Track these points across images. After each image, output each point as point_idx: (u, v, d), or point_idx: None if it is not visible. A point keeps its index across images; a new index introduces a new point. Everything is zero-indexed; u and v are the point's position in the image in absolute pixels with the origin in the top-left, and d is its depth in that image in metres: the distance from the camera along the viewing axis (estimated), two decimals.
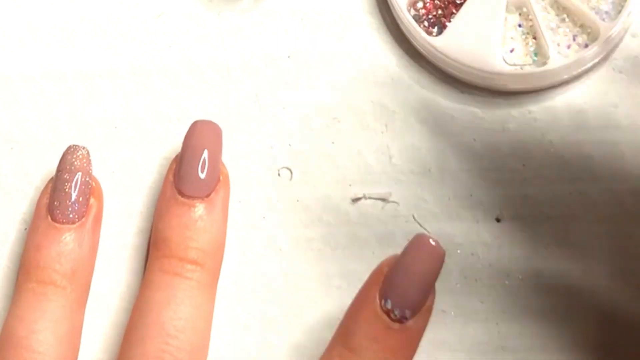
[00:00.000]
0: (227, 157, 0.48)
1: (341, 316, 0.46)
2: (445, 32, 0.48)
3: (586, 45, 0.47)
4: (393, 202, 0.47)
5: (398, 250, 0.46)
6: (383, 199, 0.47)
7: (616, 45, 0.48)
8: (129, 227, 0.48)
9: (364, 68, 0.49)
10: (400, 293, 0.41)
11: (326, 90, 0.49)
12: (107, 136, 0.49)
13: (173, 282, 0.43)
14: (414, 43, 0.49)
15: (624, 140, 0.47)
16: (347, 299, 0.46)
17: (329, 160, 0.48)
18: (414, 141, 0.48)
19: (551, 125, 0.47)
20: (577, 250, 0.46)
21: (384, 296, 0.41)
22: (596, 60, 0.48)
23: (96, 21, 0.50)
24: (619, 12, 0.47)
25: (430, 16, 0.49)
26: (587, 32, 0.48)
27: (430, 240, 0.41)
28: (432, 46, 0.48)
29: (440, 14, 0.49)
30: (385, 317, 0.41)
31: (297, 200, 0.48)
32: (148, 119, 0.49)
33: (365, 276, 0.46)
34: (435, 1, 0.49)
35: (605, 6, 0.48)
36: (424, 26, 0.49)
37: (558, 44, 0.48)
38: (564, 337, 0.46)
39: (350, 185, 0.47)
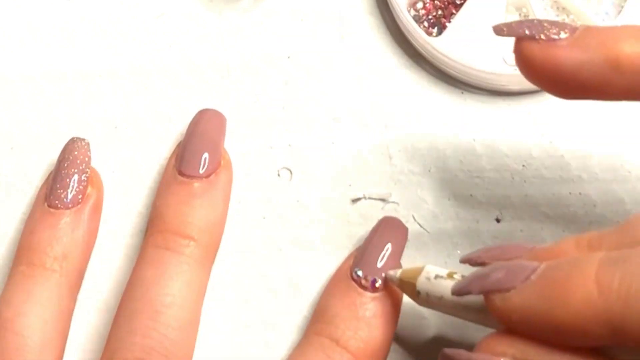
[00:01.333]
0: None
1: None
2: (445, 32, 0.48)
3: None
4: (393, 202, 0.47)
5: None
6: (383, 199, 0.47)
7: None
8: (128, 227, 0.48)
9: (364, 68, 0.49)
10: (368, 260, 0.44)
11: (326, 90, 0.49)
12: (107, 136, 0.49)
13: (164, 257, 0.44)
14: (414, 43, 0.49)
15: (623, 141, 0.47)
16: None
17: (329, 160, 0.48)
18: (414, 141, 0.48)
19: (551, 125, 0.48)
20: None
21: (354, 267, 0.44)
22: None
23: (96, 21, 0.50)
24: (619, 12, 0.47)
25: (430, 16, 0.49)
26: None
27: (394, 218, 0.45)
28: (432, 46, 0.48)
29: (440, 15, 0.49)
30: (356, 285, 0.43)
31: (297, 200, 0.47)
32: (148, 119, 0.49)
33: None
34: (435, 1, 0.49)
35: (605, 6, 0.48)
36: (424, 26, 0.49)
37: None
38: None
39: (350, 185, 0.47)
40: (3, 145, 0.49)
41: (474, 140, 0.48)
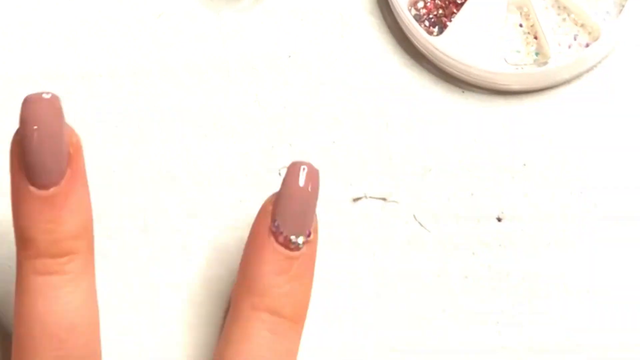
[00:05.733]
0: (227, 157, 0.48)
1: (341, 317, 0.46)
2: (446, 31, 0.48)
3: (587, 45, 0.47)
4: (393, 202, 0.47)
5: (398, 250, 0.47)
6: (383, 199, 0.47)
7: (617, 45, 0.48)
8: (127, 225, 0.48)
9: (364, 68, 0.49)
10: (289, 218, 0.42)
11: (326, 90, 0.49)
12: (107, 136, 0.49)
13: (50, 283, 0.41)
14: (415, 43, 0.48)
15: (624, 140, 0.47)
16: (347, 299, 0.46)
17: (329, 160, 0.48)
18: (414, 141, 0.48)
19: (551, 125, 0.47)
20: (577, 250, 0.46)
21: (277, 228, 0.42)
22: (597, 60, 0.48)
23: (96, 21, 0.50)
24: (620, 11, 0.47)
25: (430, 16, 0.49)
26: (588, 31, 0.48)
27: (303, 166, 0.42)
28: (433, 46, 0.48)
29: (441, 14, 0.49)
30: (283, 249, 0.42)
31: None
32: (148, 119, 0.49)
33: (365, 276, 0.46)
34: (436, 1, 0.49)
35: (606, 6, 0.48)
36: (425, 26, 0.49)
37: (559, 44, 0.48)
38: (564, 337, 0.46)
39: (350, 185, 0.48)
40: (3, 145, 0.49)
41: (474, 140, 0.48)
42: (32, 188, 0.40)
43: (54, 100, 0.40)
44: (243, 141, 0.48)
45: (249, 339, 0.42)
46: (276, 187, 0.47)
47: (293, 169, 0.42)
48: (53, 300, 0.41)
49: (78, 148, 0.41)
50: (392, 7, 0.49)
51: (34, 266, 0.41)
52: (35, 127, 0.40)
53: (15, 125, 0.49)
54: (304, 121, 0.48)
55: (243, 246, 0.47)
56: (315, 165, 0.42)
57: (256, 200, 0.47)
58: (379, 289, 0.46)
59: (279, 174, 0.48)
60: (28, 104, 0.40)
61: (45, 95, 0.40)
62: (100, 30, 0.50)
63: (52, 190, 0.40)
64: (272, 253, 0.42)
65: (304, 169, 0.42)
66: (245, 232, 0.47)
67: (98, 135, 0.48)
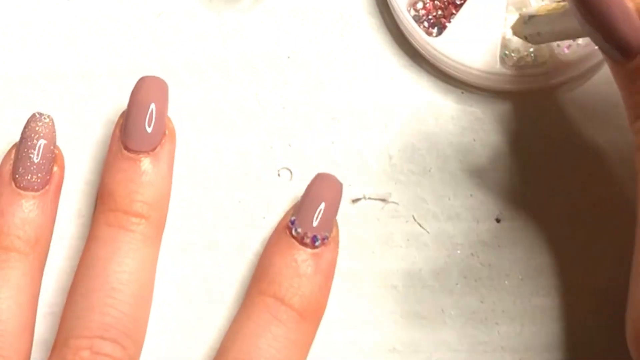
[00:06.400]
0: (227, 156, 0.48)
1: (341, 317, 0.46)
2: (445, 32, 0.48)
3: (586, 46, 0.47)
4: (393, 202, 0.47)
5: (398, 250, 0.47)
6: (383, 199, 0.47)
7: None
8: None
9: (364, 68, 0.49)
10: (305, 216, 0.44)
11: (326, 90, 0.49)
12: (108, 136, 0.48)
13: (118, 235, 0.44)
14: (414, 43, 0.49)
15: (623, 141, 0.47)
16: (346, 299, 0.46)
17: (329, 160, 0.48)
18: (414, 141, 0.48)
19: (551, 125, 0.48)
20: (577, 250, 0.46)
21: (292, 224, 0.44)
22: (596, 60, 0.48)
23: (96, 21, 0.50)
24: None
25: (430, 17, 0.49)
26: None
27: (329, 175, 0.45)
28: (432, 47, 0.48)
29: (440, 15, 0.49)
30: (296, 242, 0.44)
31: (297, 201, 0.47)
32: None
33: (364, 276, 0.47)
34: (435, 2, 0.49)
35: None
36: (424, 27, 0.49)
37: (558, 45, 0.48)
38: (563, 337, 0.46)
39: (350, 185, 0.48)
40: (3, 145, 0.49)
41: (474, 140, 0.48)
42: (124, 150, 0.45)
43: (163, 84, 0.46)
44: (243, 141, 0.48)
45: (250, 319, 0.43)
46: (275, 187, 0.48)
47: (319, 176, 0.45)
48: (115, 251, 0.44)
49: (173, 133, 0.46)
50: (391, 7, 0.49)
51: (107, 218, 0.44)
52: (140, 99, 0.45)
53: (14, 124, 0.49)
54: (304, 121, 0.48)
55: (242, 247, 0.47)
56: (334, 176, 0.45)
57: (256, 201, 0.48)
58: (378, 288, 0.46)
59: (278, 174, 0.48)
60: (141, 81, 0.46)
61: (154, 77, 0.46)
62: (100, 30, 0.50)
63: (140, 156, 0.45)
64: (286, 245, 0.44)
65: (327, 177, 0.45)
66: (244, 232, 0.47)
67: (98, 134, 0.48)
